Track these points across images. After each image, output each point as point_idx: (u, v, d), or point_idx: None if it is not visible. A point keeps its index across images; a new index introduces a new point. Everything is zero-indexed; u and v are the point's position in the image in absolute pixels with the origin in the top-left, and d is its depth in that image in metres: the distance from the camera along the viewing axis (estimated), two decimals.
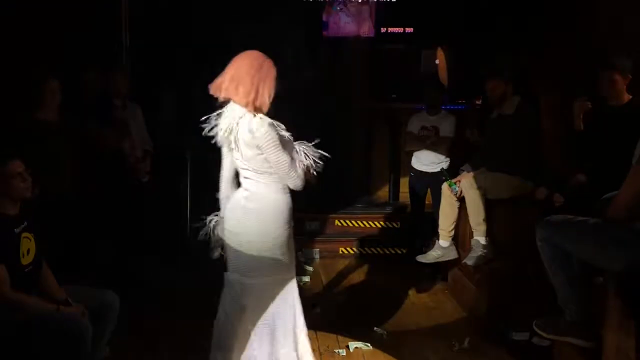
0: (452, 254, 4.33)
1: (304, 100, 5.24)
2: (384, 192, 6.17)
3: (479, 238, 4.00)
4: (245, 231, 2.63)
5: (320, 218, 5.53)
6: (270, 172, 2.59)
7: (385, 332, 3.71)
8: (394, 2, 6.00)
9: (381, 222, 5.56)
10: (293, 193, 2.70)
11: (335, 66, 6.09)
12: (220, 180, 2.78)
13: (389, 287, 4.68)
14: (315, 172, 2.66)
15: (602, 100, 3.43)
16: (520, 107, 4.12)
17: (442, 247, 4.31)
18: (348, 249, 5.46)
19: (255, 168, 2.59)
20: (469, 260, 4.03)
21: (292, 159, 2.58)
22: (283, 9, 5.62)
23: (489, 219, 4.01)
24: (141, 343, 3.48)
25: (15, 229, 2.69)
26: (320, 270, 5.04)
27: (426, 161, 4.88)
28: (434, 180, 4.69)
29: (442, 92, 5.18)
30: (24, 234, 2.72)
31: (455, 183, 4.17)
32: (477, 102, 5.65)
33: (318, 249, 5.39)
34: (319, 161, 2.67)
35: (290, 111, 2.77)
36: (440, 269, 4.67)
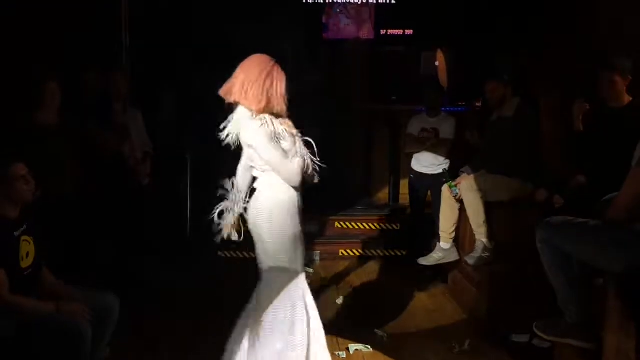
0: (453, 256, 4.33)
1: (304, 103, 5.24)
2: (384, 194, 6.18)
3: (483, 240, 4.00)
4: (256, 228, 2.73)
5: (321, 220, 5.52)
6: (272, 170, 2.65)
7: (385, 334, 3.71)
8: (393, 4, 6.01)
9: (381, 224, 5.56)
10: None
11: (335, 68, 6.10)
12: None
13: (389, 289, 4.69)
14: (315, 171, 2.71)
15: (602, 102, 3.43)
16: (520, 109, 4.12)
17: (443, 249, 4.31)
18: (348, 251, 5.45)
19: (259, 166, 2.66)
20: (470, 260, 4.03)
21: (286, 151, 2.60)
22: (283, 11, 5.63)
23: (489, 221, 4.01)
24: (141, 343, 3.48)
25: (15, 233, 2.70)
26: (321, 272, 5.03)
27: (426, 163, 4.88)
28: (434, 182, 4.69)
29: (441, 94, 5.18)
30: (24, 237, 2.73)
31: (455, 185, 4.17)
32: (477, 104, 5.66)
33: (318, 251, 5.39)
34: (318, 162, 2.71)
35: (290, 113, 2.78)
36: (440, 271, 4.67)
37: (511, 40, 5.04)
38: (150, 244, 4.47)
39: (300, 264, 2.79)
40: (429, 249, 4.48)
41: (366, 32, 6.13)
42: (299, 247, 2.76)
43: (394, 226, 5.55)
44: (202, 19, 5.58)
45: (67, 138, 3.74)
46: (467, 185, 4.07)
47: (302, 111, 2.79)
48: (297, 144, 2.67)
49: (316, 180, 2.77)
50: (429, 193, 4.86)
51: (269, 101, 2.57)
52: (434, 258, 4.35)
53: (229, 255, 5.17)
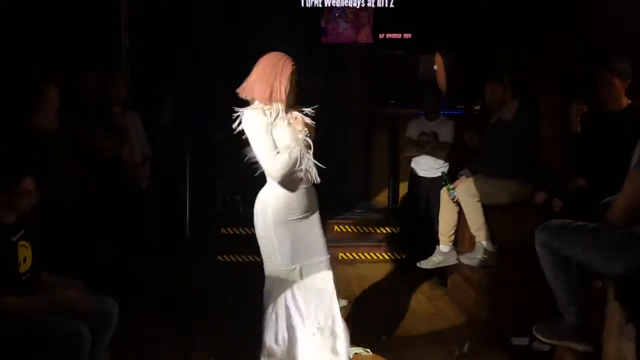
0: (453, 259, 4.32)
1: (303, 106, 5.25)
2: (383, 197, 6.18)
3: (482, 242, 3.99)
4: (254, 220, 2.85)
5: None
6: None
7: (385, 338, 3.70)
8: (392, 8, 6.03)
9: (380, 227, 5.55)
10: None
11: (334, 72, 6.11)
12: None
13: (389, 292, 4.68)
14: (308, 172, 2.77)
15: (600, 104, 3.43)
16: (519, 112, 4.12)
17: (443, 252, 4.30)
18: (347, 254, 5.44)
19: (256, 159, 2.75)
20: (466, 260, 4.02)
21: (276, 145, 2.68)
22: (282, 15, 5.64)
23: (488, 224, 4.00)
24: (141, 344, 3.48)
25: (12, 238, 2.69)
26: None
27: (425, 166, 4.89)
28: (434, 185, 4.69)
29: (440, 97, 5.19)
30: (21, 242, 2.72)
31: (453, 188, 4.17)
32: (476, 108, 5.66)
33: None
34: (317, 163, 2.76)
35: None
36: (441, 274, 4.67)
37: (510, 41, 5.05)
38: (149, 246, 4.47)
39: (299, 265, 2.83)
40: (429, 252, 4.47)
41: (365, 36, 6.15)
42: (298, 247, 2.79)
43: (394, 229, 5.54)
44: (201, 21, 5.59)
45: (66, 140, 3.73)
46: (464, 189, 4.06)
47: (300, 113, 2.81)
48: (296, 142, 2.70)
49: (317, 181, 2.80)
50: (429, 196, 4.86)
51: (272, 92, 2.67)
52: (433, 261, 4.34)
53: (227, 260, 5.18)
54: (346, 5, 6.08)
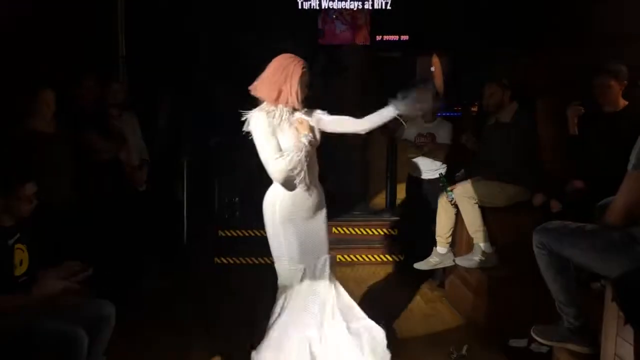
0: (450, 261, 4.32)
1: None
2: (381, 199, 6.17)
3: (480, 244, 3.99)
4: (264, 219, 2.92)
5: None
6: None
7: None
8: (389, 10, 6.03)
9: (378, 229, 5.55)
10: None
11: (331, 74, 6.09)
12: None
13: (387, 294, 4.68)
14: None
15: (598, 105, 3.44)
16: (518, 114, 4.12)
17: (440, 254, 4.30)
18: (345, 256, 5.44)
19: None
20: (464, 262, 4.02)
21: (280, 147, 2.70)
22: (279, 17, 5.64)
23: (485, 225, 4.00)
24: (139, 346, 3.49)
25: (9, 241, 2.69)
26: None
27: (423, 168, 4.88)
28: (431, 187, 4.69)
29: (437, 99, 5.18)
30: (17, 245, 2.71)
31: (451, 190, 4.17)
32: (473, 109, 5.66)
33: None
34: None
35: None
36: (438, 276, 4.67)
37: (508, 43, 5.05)
38: (147, 249, 4.47)
39: (305, 265, 2.89)
40: (426, 254, 4.47)
41: (362, 38, 6.15)
42: (305, 246, 2.85)
43: (391, 231, 5.54)
44: (198, 25, 5.59)
45: (64, 143, 3.73)
46: (462, 192, 4.06)
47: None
48: (300, 144, 2.72)
49: (318, 186, 2.89)
50: (427, 198, 4.86)
51: (279, 93, 2.70)
52: (430, 263, 4.34)
53: (225, 262, 5.17)
54: (343, 7, 6.08)
